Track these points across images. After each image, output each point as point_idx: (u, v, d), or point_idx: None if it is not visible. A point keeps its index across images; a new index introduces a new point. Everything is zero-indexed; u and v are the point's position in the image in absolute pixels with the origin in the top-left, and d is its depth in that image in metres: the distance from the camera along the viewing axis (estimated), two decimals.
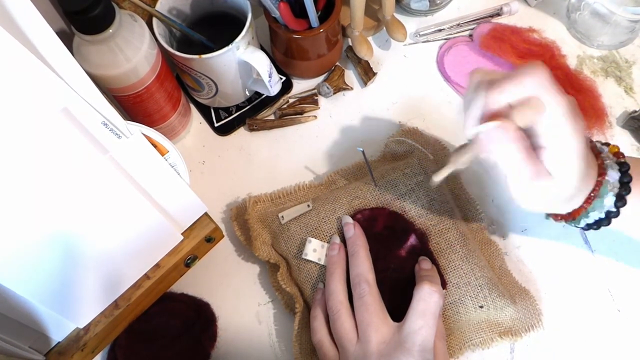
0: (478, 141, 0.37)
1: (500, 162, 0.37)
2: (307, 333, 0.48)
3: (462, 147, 0.39)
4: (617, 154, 0.41)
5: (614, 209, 0.40)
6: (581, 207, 0.40)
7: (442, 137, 0.58)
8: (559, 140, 0.36)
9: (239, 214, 0.55)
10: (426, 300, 0.43)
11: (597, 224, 0.41)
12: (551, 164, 0.36)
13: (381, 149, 0.58)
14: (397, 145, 0.56)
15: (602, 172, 0.39)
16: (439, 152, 0.56)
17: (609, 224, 0.41)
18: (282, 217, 0.51)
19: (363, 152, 0.49)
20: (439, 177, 0.39)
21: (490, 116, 0.36)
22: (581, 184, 0.38)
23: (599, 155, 0.41)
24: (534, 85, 0.35)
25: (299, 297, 0.50)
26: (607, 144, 0.42)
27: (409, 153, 0.55)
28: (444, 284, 0.47)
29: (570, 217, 0.42)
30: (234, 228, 0.54)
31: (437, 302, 0.43)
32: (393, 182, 0.51)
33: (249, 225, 0.52)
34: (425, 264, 0.48)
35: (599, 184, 0.39)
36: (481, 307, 0.47)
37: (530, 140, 0.37)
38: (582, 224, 0.42)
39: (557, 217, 0.43)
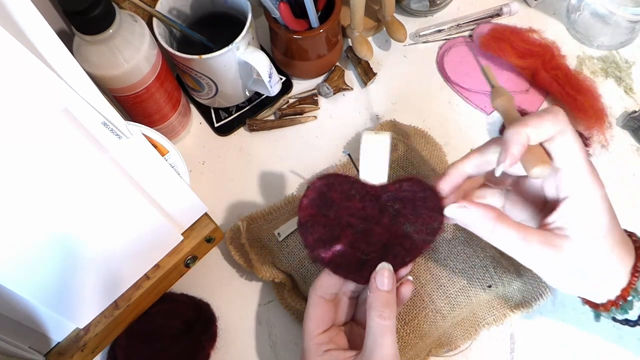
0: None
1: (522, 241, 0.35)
2: None
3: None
4: None
5: None
6: (619, 296, 0.36)
7: (443, 137, 0.58)
8: (581, 184, 0.34)
9: (234, 237, 0.53)
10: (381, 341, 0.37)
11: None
12: (573, 215, 0.34)
13: None
14: None
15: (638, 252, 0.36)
16: (420, 140, 0.56)
17: None
18: (279, 234, 0.51)
19: (349, 155, 0.49)
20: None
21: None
22: (611, 251, 0.35)
23: (634, 236, 0.38)
24: (551, 124, 0.34)
25: None
26: None
27: (392, 147, 0.55)
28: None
29: (610, 306, 0.37)
30: (231, 252, 0.52)
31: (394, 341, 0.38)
32: None
33: (247, 249, 0.51)
34: (380, 280, 0.39)
35: (637, 269, 0.36)
36: (489, 286, 0.48)
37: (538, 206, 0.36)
38: (623, 315, 0.37)
39: (597, 306, 0.39)
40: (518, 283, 0.49)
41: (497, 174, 0.35)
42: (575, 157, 0.34)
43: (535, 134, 0.34)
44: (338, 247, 0.41)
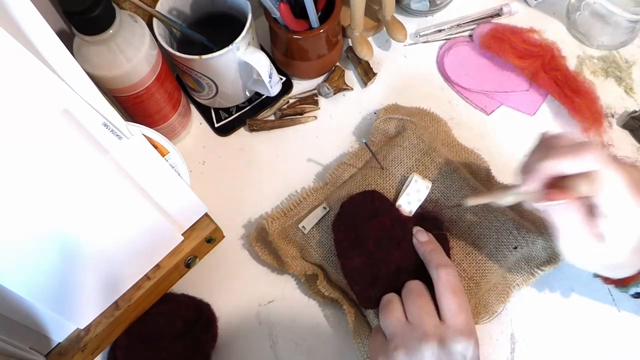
0: (543, 211, 0.39)
1: (558, 225, 0.39)
2: (365, 330, 0.48)
3: (510, 187, 0.40)
4: None
5: None
6: (633, 276, 0.42)
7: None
8: (619, 212, 0.37)
9: (259, 237, 0.54)
10: (448, 280, 0.43)
11: None
12: (608, 232, 0.37)
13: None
14: (385, 124, 0.57)
15: None
16: (425, 118, 0.57)
17: None
18: (304, 227, 0.51)
19: (366, 142, 0.50)
20: (472, 202, 0.42)
21: (551, 182, 0.37)
22: (634, 256, 0.39)
23: None
24: (593, 160, 0.36)
25: (343, 300, 0.50)
26: None
27: (401, 128, 0.56)
28: (447, 248, 0.48)
29: (620, 284, 0.44)
30: (258, 253, 0.53)
31: (455, 275, 0.43)
32: (397, 159, 0.52)
33: (276, 246, 0.51)
34: (421, 235, 0.47)
35: None
36: (515, 248, 0.49)
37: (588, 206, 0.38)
38: (632, 291, 0.44)
39: (607, 280, 0.46)
40: (541, 241, 0.49)
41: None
42: (614, 188, 0.36)
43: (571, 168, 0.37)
44: (365, 244, 0.46)
